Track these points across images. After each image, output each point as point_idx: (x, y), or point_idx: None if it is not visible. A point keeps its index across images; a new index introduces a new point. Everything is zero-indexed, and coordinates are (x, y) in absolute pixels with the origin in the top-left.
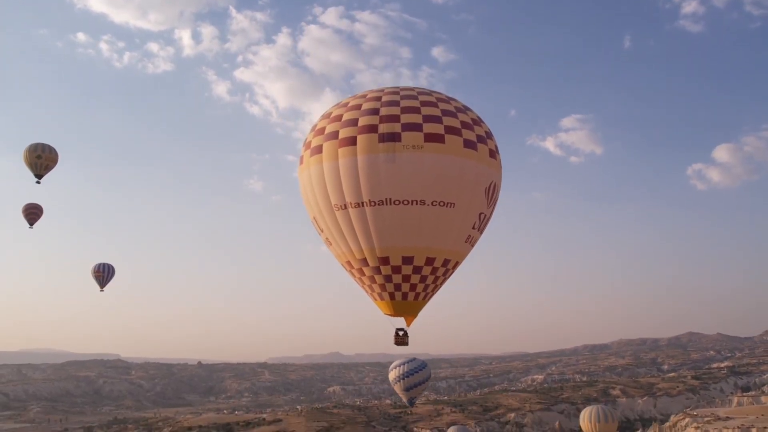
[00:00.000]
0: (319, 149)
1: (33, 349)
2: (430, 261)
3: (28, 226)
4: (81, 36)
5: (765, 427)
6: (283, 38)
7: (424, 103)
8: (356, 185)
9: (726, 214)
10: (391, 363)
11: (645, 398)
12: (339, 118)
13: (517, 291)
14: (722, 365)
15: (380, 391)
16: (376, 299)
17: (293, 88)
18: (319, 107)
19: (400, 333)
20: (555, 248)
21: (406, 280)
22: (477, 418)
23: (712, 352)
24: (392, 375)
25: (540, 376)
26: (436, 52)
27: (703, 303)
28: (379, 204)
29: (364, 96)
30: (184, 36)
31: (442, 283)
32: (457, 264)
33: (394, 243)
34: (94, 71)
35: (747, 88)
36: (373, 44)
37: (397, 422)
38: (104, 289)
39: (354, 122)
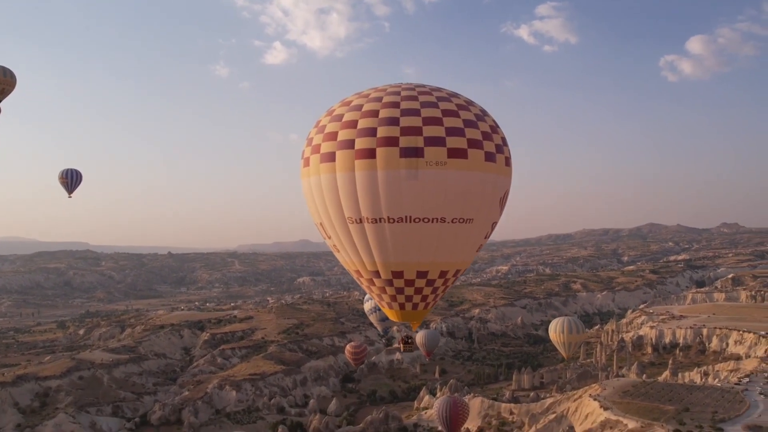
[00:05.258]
0: (331, 157)
1: (1, 237)
2: (443, 274)
3: None
4: None
5: (715, 327)
6: None
7: (446, 113)
8: (375, 201)
9: (696, 107)
10: None
11: (604, 293)
12: (353, 124)
13: None
14: (679, 258)
15: (349, 281)
16: (384, 307)
17: None
18: None
19: (409, 341)
20: (523, 137)
21: (418, 292)
22: (443, 314)
23: (671, 243)
24: (367, 306)
25: (505, 267)
26: None
27: (665, 194)
28: (398, 221)
29: (378, 99)
30: None
31: (447, 289)
32: (463, 271)
33: (409, 258)
34: None
35: None
36: None
37: (366, 318)
38: (72, 195)
39: (371, 132)
